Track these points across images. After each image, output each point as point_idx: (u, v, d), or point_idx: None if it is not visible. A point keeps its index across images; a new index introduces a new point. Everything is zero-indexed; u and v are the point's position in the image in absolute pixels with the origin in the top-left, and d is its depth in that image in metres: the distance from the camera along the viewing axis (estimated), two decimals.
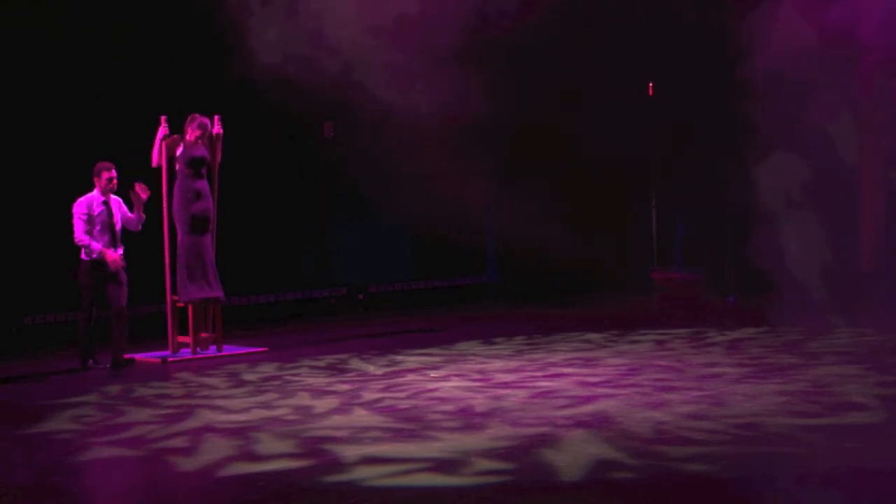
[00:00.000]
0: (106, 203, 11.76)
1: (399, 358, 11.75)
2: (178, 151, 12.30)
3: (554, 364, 11.04)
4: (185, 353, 12.32)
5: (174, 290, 12.40)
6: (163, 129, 12.28)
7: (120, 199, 11.90)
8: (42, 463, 7.89)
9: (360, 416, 8.95)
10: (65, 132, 13.94)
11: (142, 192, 11.77)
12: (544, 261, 16.42)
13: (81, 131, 13.98)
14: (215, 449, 8.02)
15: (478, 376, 10.51)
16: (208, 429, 8.68)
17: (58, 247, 14.03)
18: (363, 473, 7.26)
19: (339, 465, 7.47)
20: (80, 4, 14.00)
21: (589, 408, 8.91)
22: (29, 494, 7.19)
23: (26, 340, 13.69)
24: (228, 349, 12.55)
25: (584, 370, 10.64)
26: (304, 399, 9.72)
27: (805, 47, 12.84)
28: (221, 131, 12.57)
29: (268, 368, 11.41)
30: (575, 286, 16.63)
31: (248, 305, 15.50)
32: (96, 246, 11.61)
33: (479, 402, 9.31)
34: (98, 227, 11.70)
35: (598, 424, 8.31)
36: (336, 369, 11.19)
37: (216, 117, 12.56)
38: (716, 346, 11.79)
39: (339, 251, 16.50)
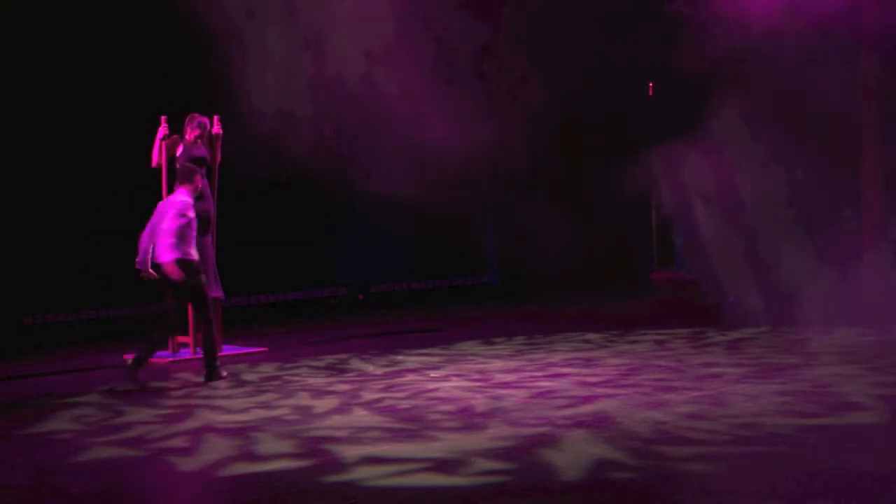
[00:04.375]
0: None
1: (399, 358, 11.75)
2: (178, 151, 12.30)
3: (554, 364, 11.04)
4: (186, 354, 12.32)
5: None
6: (162, 129, 12.27)
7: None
8: (42, 463, 7.89)
9: (360, 416, 8.95)
10: (65, 132, 13.95)
11: None
12: (544, 261, 16.42)
13: (81, 131, 13.99)
14: (215, 449, 8.03)
15: (478, 376, 10.51)
16: (208, 429, 8.68)
17: (57, 247, 14.07)
18: (363, 473, 7.26)
19: (339, 465, 7.47)
20: (82, 4, 14.01)
21: (589, 408, 8.91)
22: (29, 494, 7.19)
23: (27, 340, 13.70)
24: (228, 349, 12.54)
25: (584, 370, 10.65)
26: (304, 399, 9.72)
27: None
28: (221, 131, 12.58)
29: (268, 368, 11.41)
30: (575, 286, 16.62)
31: (248, 305, 15.50)
32: (141, 256, 11.07)
33: (479, 402, 9.31)
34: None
35: (598, 424, 8.31)
36: (336, 369, 11.19)
37: (216, 117, 12.56)
38: (716, 346, 11.80)
39: (339, 251, 16.50)
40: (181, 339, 12.43)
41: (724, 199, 13.94)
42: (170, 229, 10.79)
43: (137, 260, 11.18)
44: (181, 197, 11.07)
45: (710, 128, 13.37)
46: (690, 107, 13.65)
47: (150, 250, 11.08)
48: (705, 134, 13.40)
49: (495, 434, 8.14)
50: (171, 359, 12.14)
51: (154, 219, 11.14)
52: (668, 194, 14.72)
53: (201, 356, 11.23)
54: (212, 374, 10.82)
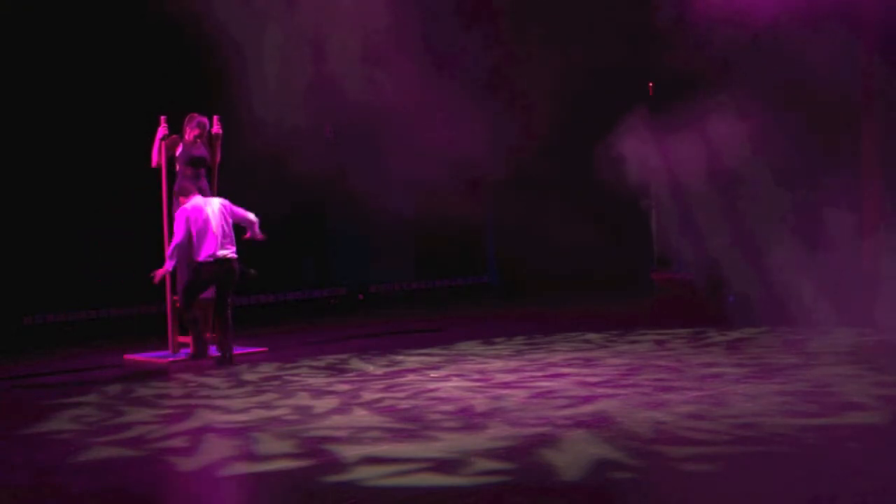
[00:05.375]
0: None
1: (399, 358, 11.75)
2: (178, 151, 12.30)
3: (554, 364, 11.04)
4: (186, 353, 12.31)
5: (174, 291, 12.39)
6: (162, 129, 12.28)
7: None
8: (42, 463, 7.88)
9: (360, 416, 8.95)
10: (65, 132, 13.95)
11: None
12: (544, 261, 16.42)
13: (81, 131, 13.99)
14: (215, 449, 8.03)
15: (478, 376, 10.51)
16: (208, 429, 8.68)
17: (57, 247, 14.06)
18: (363, 473, 7.25)
19: (339, 465, 7.47)
20: (82, 5, 14.01)
21: (589, 408, 8.91)
22: (29, 494, 7.18)
23: (27, 340, 13.70)
24: None
25: (584, 370, 10.64)
26: (303, 399, 9.72)
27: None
28: (221, 131, 12.58)
29: (268, 368, 11.41)
30: (575, 286, 16.62)
31: (248, 305, 15.50)
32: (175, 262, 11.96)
33: (479, 402, 9.31)
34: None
35: (598, 424, 8.31)
36: (336, 369, 11.19)
37: (215, 117, 12.56)
38: (716, 346, 11.80)
39: (339, 251, 16.49)
40: (181, 339, 12.43)
41: (719, 191, 13.94)
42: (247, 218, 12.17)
43: (171, 266, 11.85)
44: (218, 199, 12.05)
45: (707, 123, 13.37)
46: (688, 102, 13.66)
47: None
48: (701, 128, 13.41)
49: (495, 434, 8.14)
50: (171, 359, 12.14)
51: (189, 226, 11.75)
52: (662, 187, 14.71)
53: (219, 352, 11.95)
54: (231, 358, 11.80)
